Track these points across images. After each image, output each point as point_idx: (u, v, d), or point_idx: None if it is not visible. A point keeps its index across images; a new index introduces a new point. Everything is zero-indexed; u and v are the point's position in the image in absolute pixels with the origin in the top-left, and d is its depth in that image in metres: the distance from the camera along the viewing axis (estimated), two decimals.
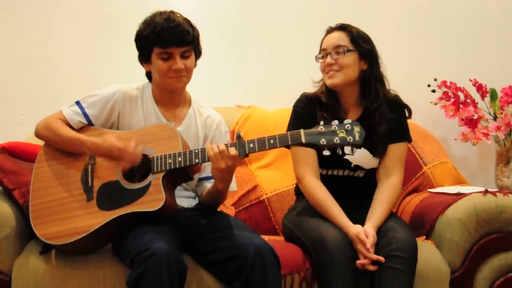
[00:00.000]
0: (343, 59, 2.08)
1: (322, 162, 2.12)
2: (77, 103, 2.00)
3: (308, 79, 2.25)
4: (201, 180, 2.08)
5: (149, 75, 2.06)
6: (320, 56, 2.15)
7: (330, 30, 2.16)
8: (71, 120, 1.98)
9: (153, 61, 1.96)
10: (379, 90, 2.11)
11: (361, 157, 2.12)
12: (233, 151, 1.78)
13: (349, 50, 2.08)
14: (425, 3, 2.95)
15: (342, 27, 2.13)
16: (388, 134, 2.11)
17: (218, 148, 1.79)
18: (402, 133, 2.15)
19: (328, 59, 2.10)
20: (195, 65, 2.03)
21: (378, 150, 2.12)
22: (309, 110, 2.13)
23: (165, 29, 1.90)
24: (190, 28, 1.96)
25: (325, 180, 2.11)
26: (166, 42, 1.91)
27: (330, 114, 2.09)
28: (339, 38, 2.11)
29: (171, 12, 1.97)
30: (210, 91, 2.71)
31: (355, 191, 2.18)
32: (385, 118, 2.10)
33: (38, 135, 2.01)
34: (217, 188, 1.92)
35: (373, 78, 2.12)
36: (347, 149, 2.08)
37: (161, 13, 1.96)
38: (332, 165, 2.14)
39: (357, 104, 2.16)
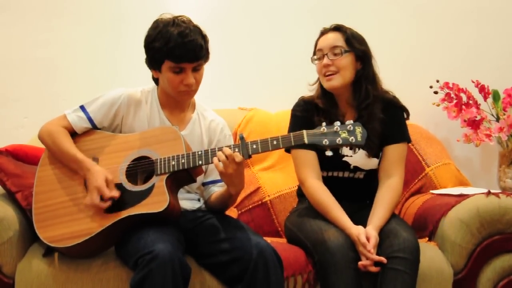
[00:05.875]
0: (340, 61, 2.08)
1: (322, 164, 2.12)
2: (82, 107, 2.00)
3: (310, 81, 2.25)
4: (207, 184, 2.08)
5: (155, 79, 2.05)
6: (316, 57, 2.14)
7: (324, 31, 2.15)
8: (76, 126, 1.99)
9: (164, 72, 1.94)
10: (369, 90, 2.11)
11: (358, 158, 2.13)
12: (237, 155, 1.78)
13: (346, 51, 2.08)
14: (427, 4, 2.95)
15: (337, 28, 2.13)
16: (383, 135, 2.10)
17: (224, 153, 1.78)
18: (399, 134, 2.14)
19: (325, 60, 2.09)
20: None
21: (370, 150, 2.10)
22: (308, 114, 2.14)
23: (179, 45, 1.86)
24: (203, 41, 1.92)
25: (326, 182, 2.11)
26: (180, 58, 1.88)
27: (327, 119, 2.06)
28: (335, 39, 2.11)
29: (183, 21, 1.91)
30: (212, 93, 2.70)
31: (356, 193, 2.18)
32: (375, 117, 2.09)
33: (40, 139, 2.01)
34: (229, 193, 1.92)
35: (364, 78, 2.11)
36: (345, 150, 2.08)
37: (173, 22, 1.90)
38: (332, 167, 2.15)
39: (351, 105, 2.16)
